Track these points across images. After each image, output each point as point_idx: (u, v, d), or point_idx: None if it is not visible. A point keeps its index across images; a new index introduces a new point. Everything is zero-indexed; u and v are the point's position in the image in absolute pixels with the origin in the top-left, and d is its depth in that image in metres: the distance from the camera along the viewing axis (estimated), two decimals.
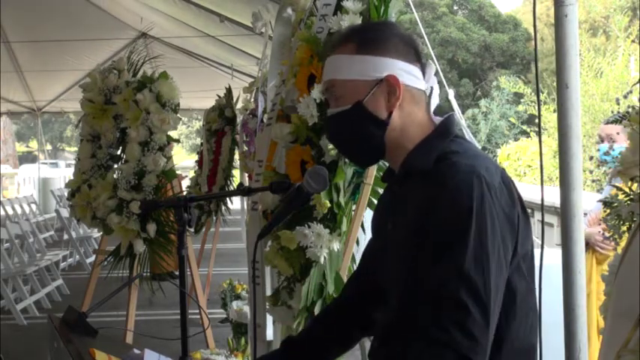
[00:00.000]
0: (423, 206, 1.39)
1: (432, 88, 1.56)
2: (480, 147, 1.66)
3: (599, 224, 3.70)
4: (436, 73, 1.59)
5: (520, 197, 1.47)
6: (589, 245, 3.74)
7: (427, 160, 1.45)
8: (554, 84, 2.10)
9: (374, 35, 1.53)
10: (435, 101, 1.57)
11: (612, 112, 6.67)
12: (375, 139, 1.52)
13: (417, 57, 1.54)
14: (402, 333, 1.38)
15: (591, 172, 8.20)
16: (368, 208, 2.57)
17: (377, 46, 1.51)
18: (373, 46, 1.51)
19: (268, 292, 2.68)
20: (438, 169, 1.42)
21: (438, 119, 1.55)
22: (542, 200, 1.95)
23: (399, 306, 1.44)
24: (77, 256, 9.53)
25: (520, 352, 1.45)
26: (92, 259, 7.78)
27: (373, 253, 1.75)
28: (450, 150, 1.45)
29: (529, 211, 6.20)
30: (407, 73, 1.50)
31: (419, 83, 1.52)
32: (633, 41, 11.46)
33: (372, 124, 1.51)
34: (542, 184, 1.97)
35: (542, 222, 1.88)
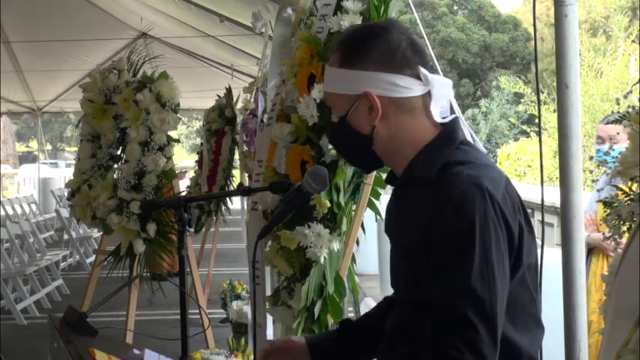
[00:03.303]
0: (426, 217, 1.38)
1: (434, 85, 1.49)
2: (484, 150, 1.65)
3: (595, 225, 3.67)
4: (436, 74, 1.57)
5: (524, 207, 1.45)
6: (594, 250, 3.70)
7: (430, 168, 1.44)
8: (554, 84, 2.10)
9: (355, 47, 1.50)
10: (442, 97, 1.52)
11: (612, 111, 6.68)
12: (362, 152, 1.54)
13: (406, 63, 1.48)
14: (411, 345, 1.38)
15: (591, 172, 8.20)
16: (368, 208, 2.57)
17: (358, 60, 1.49)
18: (354, 60, 1.49)
19: (268, 292, 2.68)
20: (441, 179, 1.40)
21: (444, 122, 1.52)
22: (542, 200, 1.95)
23: (405, 315, 1.44)
24: (77, 256, 9.53)
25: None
26: (92, 259, 7.78)
27: None
28: (454, 159, 1.43)
29: (529, 211, 6.17)
30: (390, 85, 1.47)
31: (408, 92, 1.47)
32: (633, 41, 11.46)
33: (356, 139, 1.52)
34: (542, 184, 1.98)
35: (542, 222, 1.88)
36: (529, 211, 7.16)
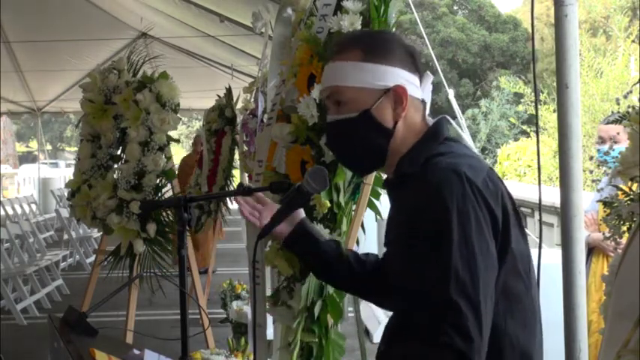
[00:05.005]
0: (410, 208, 1.42)
1: (428, 95, 1.59)
2: (476, 147, 1.68)
3: (597, 225, 3.67)
4: (436, 73, 1.60)
5: (511, 197, 1.47)
6: (594, 250, 3.69)
7: (414, 163, 1.47)
8: (554, 84, 2.10)
9: (381, 43, 1.53)
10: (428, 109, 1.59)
11: (612, 111, 6.67)
12: (380, 147, 1.54)
13: (416, 67, 1.55)
14: (401, 334, 1.39)
15: (591, 172, 8.18)
16: (368, 208, 2.57)
17: (384, 55, 1.51)
18: (380, 55, 1.51)
19: (268, 292, 2.68)
20: (422, 171, 1.44)
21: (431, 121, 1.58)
22: (540, 200, 1.95)
23: (396, 307, 1.45)
24: (77, 256, 9.53)
25: (519, 356, 1.45)
26: (92, 259, 7.79)
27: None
28: (437, 152, 1.47)
29: (529, 210, 6.17)
30: (410, 84, 1.52)
31: (419, 93, 1.55)
32: (633, 41, 11.46)
33: (379, 133, 1.52)
34: (539, 184, 1.98)
35: (540, 222, 1.89)
36: (529, 211, 7.15)
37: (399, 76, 1.50)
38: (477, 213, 1.35)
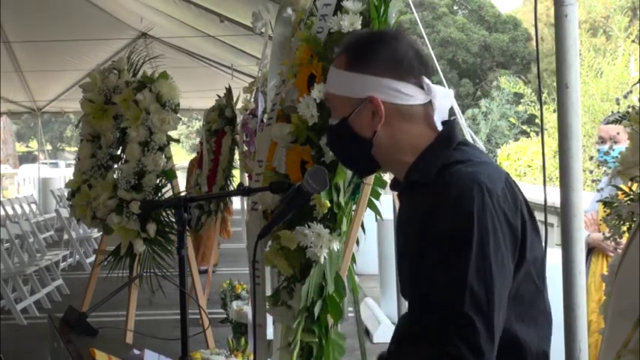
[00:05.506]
0: (426, 216, 1.40)
1: (435, 95, 1.52)
2: (483, 148, 1.66)
3: (596, 225, 3.67)
4: (436, 73, 1.58)
5: (527, 202, 1.47)
6: (594, 250, 3.69)
7: (429, 170, 1.46)
8: (554, 84, 2.10)
9: (364, 51, 1.52)
10: (443, 108, 1.54)
11: (612, 111, 6.67)
12: (361, 155, 1.55)
13: (411, 71, 1.50)
14: (412, 340, 1.39)
15: (591, 172, 8.18)
16: (368, 208, 2.57)
17: (365, 64, 1.50)
18: (361, 64, 1.50)
19: (268, 292, 2.68)
20: (440, 179, 1.42)
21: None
22: (545, 202, 1.95)
23: (409, 314, 1.45)
24: (77, 256, 9.53)
25: (536, 357, 1.46)
26: (92, 259, 7.78)
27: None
28: (453, 159, 1.45)
29: None
30: (395, 92, 1.48)
31: (412, 99, 1.50)
32: (633, 41, 11.45)
33: (356, 143, 1.53)
34: (544, 184, 1.98)
35: (545, 223, 1.88)
36: None
37: (379, 85, 1.48)
38: (495, 225, 1.35)
